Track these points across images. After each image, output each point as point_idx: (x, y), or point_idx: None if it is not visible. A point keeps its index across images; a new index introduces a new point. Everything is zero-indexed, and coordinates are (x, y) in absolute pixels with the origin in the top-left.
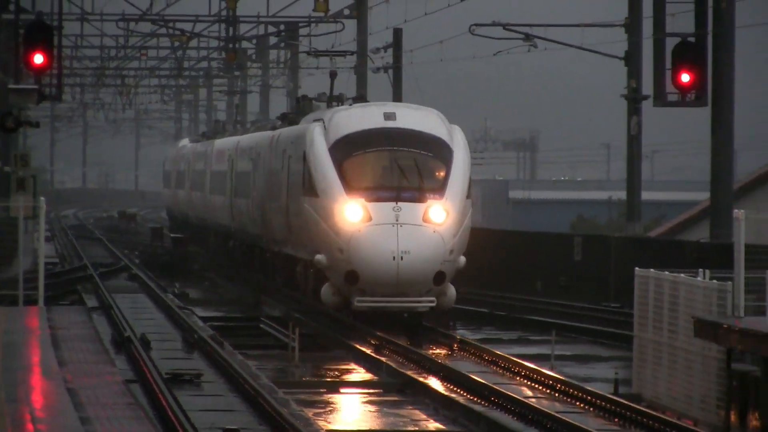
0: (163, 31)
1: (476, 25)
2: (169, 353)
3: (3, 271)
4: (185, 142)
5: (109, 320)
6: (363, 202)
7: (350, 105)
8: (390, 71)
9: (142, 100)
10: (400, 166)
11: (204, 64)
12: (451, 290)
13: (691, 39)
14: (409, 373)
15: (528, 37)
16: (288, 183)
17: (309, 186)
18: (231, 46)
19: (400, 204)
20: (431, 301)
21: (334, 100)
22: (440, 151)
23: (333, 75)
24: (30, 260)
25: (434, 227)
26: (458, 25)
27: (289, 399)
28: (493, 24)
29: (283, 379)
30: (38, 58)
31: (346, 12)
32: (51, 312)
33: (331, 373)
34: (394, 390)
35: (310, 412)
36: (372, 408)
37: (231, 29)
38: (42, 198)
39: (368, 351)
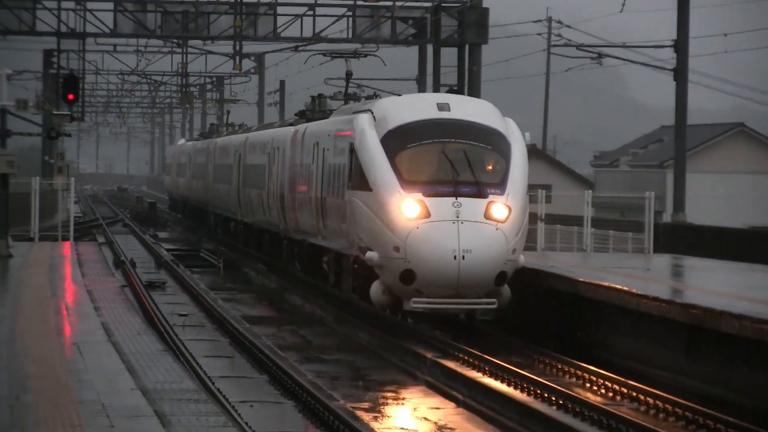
0: (144, 80)
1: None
2: (146, 270)
3: (49, 221)
4: (183, 141)
5: (111, 250)
6: (420, 197)
7: (399, 95)
8: (278, 105)
9: (131, 121)
10: (459, 160)
11: (167, 100)
12: (507, 290)
13: None
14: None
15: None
16: (323, 175)
17: (358, 179)
18: (184, 90)
19: (460, 200)
20: (492, 303)
21: (350, 98)
22: (498, 143)
23: (349, 75)
24: (65, 215)
25: (497, 225)
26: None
27: (217, 297)
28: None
29: (214, 285)
30: (70, 96)
31: (252, 70)
32: (77, 245)
33: (244, 281)
34: (278, 290)
35: (229, 305)
36: (267, 302)
37: (184, 80)
38: (72, 178)
39: (263, 268)
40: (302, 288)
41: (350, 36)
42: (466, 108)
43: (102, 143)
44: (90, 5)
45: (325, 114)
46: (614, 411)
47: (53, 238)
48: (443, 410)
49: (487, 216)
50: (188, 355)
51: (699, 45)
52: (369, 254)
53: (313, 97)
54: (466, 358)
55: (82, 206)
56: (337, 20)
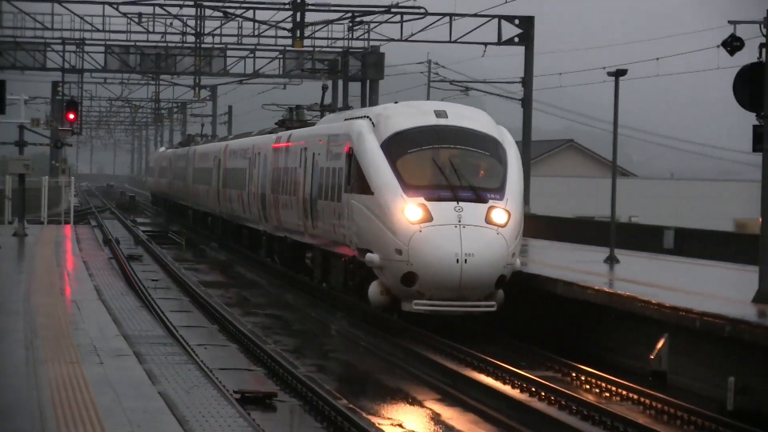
0: (127, 105)
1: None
2: (127, 246)
3: (54, 209)
4: (163, 149)
5: (101, 231)
6: (423, 201)
7: (395, 103)
8: (227, 123)
9: (117, 135)
10: (459, 165)
11: (144, 119)
12: (501, 292)
13: None
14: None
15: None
16: (312, 178)
17: (358, 183)
18: (156, 112)
19: (461, 204)
20: (491, 306)
21: (326, 109)
22: (495, 150)
23: (324, 88)
24: (66, 205)
25: (497, 229)
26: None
27: (180, 267)
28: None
29: (178, 258)
30: (71, 116)
31: (208, 97)
32: (76, 227)
33: (201, 255)
34: (231, 258)
35: (189, 273)
36: (218, 271)
37: (157, 105)
38: (72, 177)
39: (215, 245)
40: (245, 261)
41: (281, 73)
42: (462, 115)
43: (95, 151)
44: (87, 48)
45: (304, 123)
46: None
47: (58, 222)
48: (353, 352)
49: (488, 220)
50: (158, 310)
51: (539, 81)
52: (369, 256)
53: (290, 108)
54: (369, 310)
55: (80, 198)
56: (271, 61)
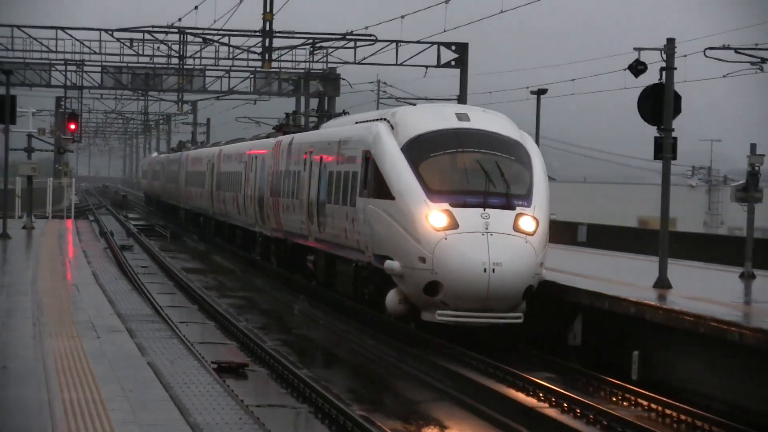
0: (120, 117)
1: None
2: (120, 238)
3: (58, 206)
4: (155, 154)
5: (98, 225)
6: (448, 207)
7: (413, 105)
8: (205, 133)
9: (111, 143)
10: (485, 170)
11: (135, 130)
12: (524, 304)
13: None
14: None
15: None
16: (319, 182)
17: (377, 187)
18: (145, 123)
19: (487, 211)
20: (518, 318)
21: (325, 115)
22: (520, 154)
23: (321, 95)
24: (68, 202)
25: (526, 237)
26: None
27: (166, 255)
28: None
29: (164, 248)
30: (72, 126)
31: (189, 111)
32: (76, 221)
33: (183, 246)
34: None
35: (173, 260)
36: (198, 259)
37: (145, 117)
38: (72, 179)
39: (196, 237)
40: (221, 251)
41: (252, 90)
42: (484, 118)
43: (92, 156)
44: (86, 68)
45: (301, 128)
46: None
47: (61, 217)
48: (314, 329)
49: (516, 228)
50: (147, 292)
51: (473, 99)
52: (389, 263)
53: (287, 114)
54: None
55: (79, 197)
56: (243, 80)
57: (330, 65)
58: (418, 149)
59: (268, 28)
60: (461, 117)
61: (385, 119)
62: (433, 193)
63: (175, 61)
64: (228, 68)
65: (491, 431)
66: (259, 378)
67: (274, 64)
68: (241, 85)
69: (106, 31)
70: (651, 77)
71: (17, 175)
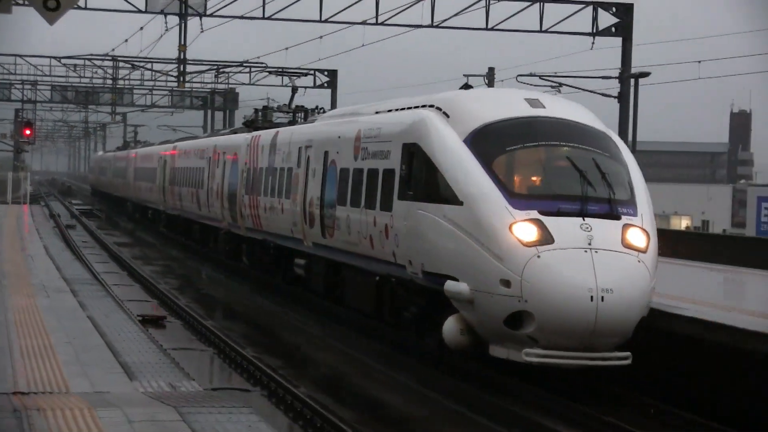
0: (65, 125)
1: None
2: (66, 219)
3: (16, 194)
4: (101, 152)
5: (48, 209)
6: (537, 215)
7: (467, 87)
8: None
9: (59, 145)
10: (579, 168)
11: (77, 134)
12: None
13: None
14: None
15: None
16: (325, 181)
17: (431, 188)
18: (85, 130)
19: (587, 221)
20: (626, 358)
21: (298, 110)
22: (613, 150)
23: (294, 90)
24: (24, 191)
25: (638, 255)
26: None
27: (101, 232)
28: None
29: (100, 227)
30: (28, 132)
31: (120, 121)
32: (31, 206)
33: (115, 225)
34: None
35: (107, 237)
36: (128, 235)
37: (86, 125)
38: (28, 173)
39: (127, 219)
40: (145, 230)
41: (170, 105)
42: (560, 105)
43: (44, 155)
44: (39, 87)
45: (273, 124)
46: None
47: (18, 203)
48: (219, 289)
49: (624, 243)
50: (87, 261)
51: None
52: (452, 285)
53: (256, 110)
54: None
55: (33, 187)
56: (163, 97)
57: (230, 86)
58: (488, 142)
59: (182, 57)
60: (533, 103)
61: (433, 105)
62: (515, 197)
63: (109, 81)
64: (151, 87)
65: None
66: (175, 328)
67: (187, 85)
68: (161, 101)
69: (55, 58)
70: None
71: None
